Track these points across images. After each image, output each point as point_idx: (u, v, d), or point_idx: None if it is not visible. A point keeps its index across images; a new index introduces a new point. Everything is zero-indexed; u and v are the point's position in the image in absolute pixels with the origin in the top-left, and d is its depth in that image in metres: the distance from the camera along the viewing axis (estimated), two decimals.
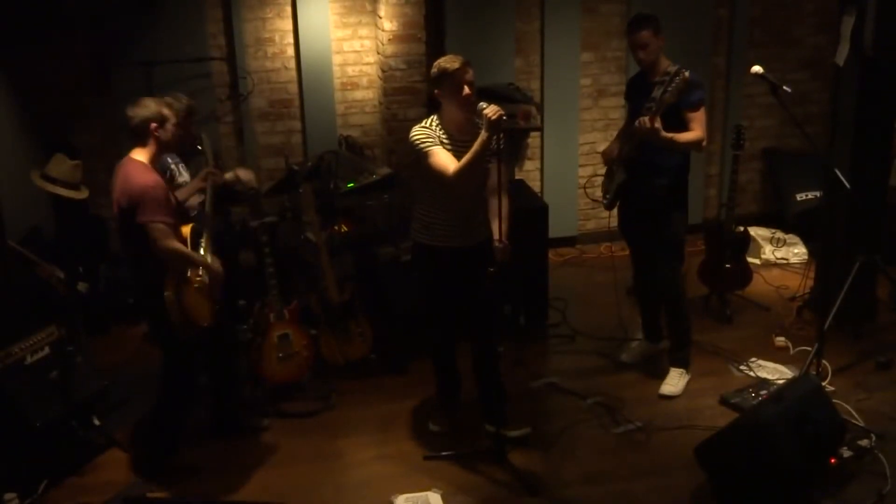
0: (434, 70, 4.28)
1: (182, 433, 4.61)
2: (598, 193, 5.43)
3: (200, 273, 4.28)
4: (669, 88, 4.61)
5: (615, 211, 5.26)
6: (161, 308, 4.13)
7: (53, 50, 6.22)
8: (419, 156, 4.28)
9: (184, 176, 5.06)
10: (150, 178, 4.14)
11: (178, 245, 4.17)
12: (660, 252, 5.05)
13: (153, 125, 4.17)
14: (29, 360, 4.52)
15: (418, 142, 4.27)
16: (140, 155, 4.21)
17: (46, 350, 4.60)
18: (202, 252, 4.36)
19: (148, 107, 4.18)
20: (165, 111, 4.21)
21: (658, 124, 4.65)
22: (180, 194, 4.65)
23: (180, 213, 4.38)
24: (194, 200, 4.88)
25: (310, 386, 5.26)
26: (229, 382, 4.86)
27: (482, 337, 4.62)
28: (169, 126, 4.23)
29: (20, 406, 4.40)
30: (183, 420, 4.60)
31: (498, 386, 4.71)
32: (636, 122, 4.72)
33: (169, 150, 4.58)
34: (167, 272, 4.16)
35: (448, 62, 4.22)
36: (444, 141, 4.28)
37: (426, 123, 4.35)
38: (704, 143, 4.90)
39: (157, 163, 4.30)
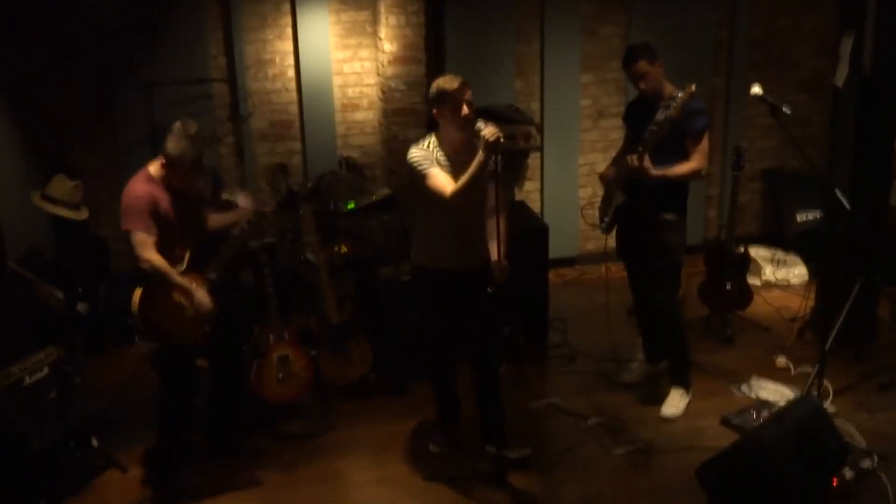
0: (433, 90, 4.27)
1: (184, 454, 4.61)
2: (596, 216, 5.41)
3: (179, 295, 4.31)
4: (668, 113, 4.54)
5: (614, 233, 5.25)
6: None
7: (55, 70, 6.24)
8: (417, 178, 4.27)
9: None
10: (140, 189, 4.22)
11: (155, 258, 4.22)
12: (657, 274, 5.04)
13: (163, 160, 4.25)
14: (28, 380, 4.51)
15: (416, 164, 4.26)
16: (154, 165, 4.30)
17: (45, 371, 4.59)
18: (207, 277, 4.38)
19: (169, 142, 4.21)
20: (181, 155, 4.20)
21: (647, 163, 4.62)
22: (219, 218, 4.63)
23: (181, 233, 4.38)
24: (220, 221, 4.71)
25: (309, 407, 5.24)
26: (230, 404, 4.85)
27: (482, 358, 4.60)
28: (173, 171, 4.26)
29: (18, 427, 4.39)
30: (182, 440, 4.60)
31: (498, 407, 4.69)
32: (626, 158, 4.67)
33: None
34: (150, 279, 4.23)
35: (446, 82, 4.21)
36: (442, 161, 4.28)
37: (423, 145, 4.34)
38: (704, 172, 4.87)
39: (170, 181, 4.28)
